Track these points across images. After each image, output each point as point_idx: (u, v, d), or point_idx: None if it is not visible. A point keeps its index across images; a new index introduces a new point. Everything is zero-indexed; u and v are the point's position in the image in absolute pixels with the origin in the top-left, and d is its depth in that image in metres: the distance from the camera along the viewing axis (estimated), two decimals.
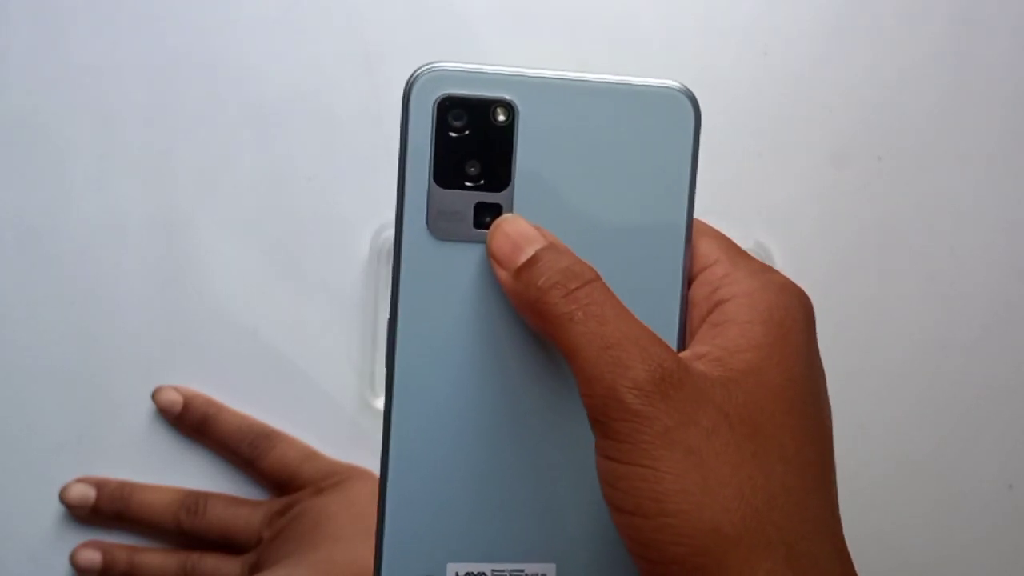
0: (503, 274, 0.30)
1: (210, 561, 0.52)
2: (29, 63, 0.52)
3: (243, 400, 0.54)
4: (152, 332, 0.53)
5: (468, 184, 0.30)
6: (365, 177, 0.54)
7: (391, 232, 0.53)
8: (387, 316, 0.32)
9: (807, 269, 0.56)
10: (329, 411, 0.54)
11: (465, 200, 0.30)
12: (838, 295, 0.57)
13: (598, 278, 0.29)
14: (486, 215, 0.31)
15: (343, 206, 0.54)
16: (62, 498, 0.52)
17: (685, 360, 0.28)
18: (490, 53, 0.54)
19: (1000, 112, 0.57)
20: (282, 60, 0.53)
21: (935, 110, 0.56)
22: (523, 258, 0.29)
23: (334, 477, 0.52)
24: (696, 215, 0.32)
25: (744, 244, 0.55)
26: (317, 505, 0.51)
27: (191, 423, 0.53)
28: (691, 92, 0.31)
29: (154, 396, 0.53)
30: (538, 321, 0.29)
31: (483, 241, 0.31)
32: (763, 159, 0.56)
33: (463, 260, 0.31)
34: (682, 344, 0.31)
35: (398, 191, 0.31)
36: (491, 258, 0.30)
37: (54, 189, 0.53)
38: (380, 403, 0.54)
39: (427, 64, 0.30)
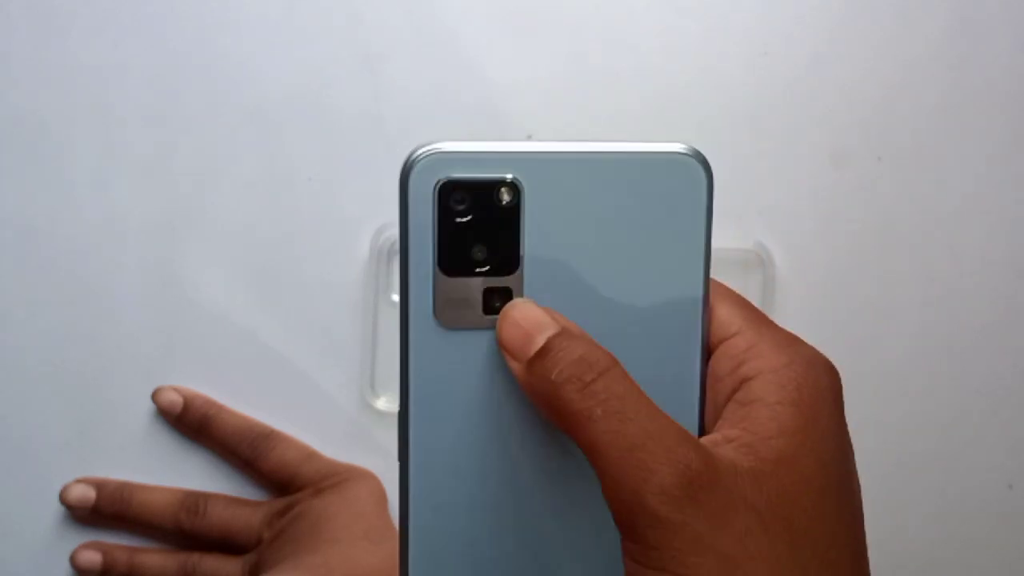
0: (515, 366, 0.28)
1: (210, 562, 0.52)
2: (29, 63, 0.52)
3: (243, 400, 0.54)
4: (152, 332, 0.53)
5: (476, 270, 0.29)
6: (365, 177, 0.54)
7: (391, 232, 0.53)
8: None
9: (807, 269, 0.56)
10: (329, 411, 0.54)
11: (473, 286, 0.29)
12: (838, 295, 0.57)
13: (615, 365, 0.27)
14: (496, 300, 0.29)
15: (343, 206, 0.54)
16: (62, 498, 0.52)
17: (713, 450, 0.27)
18: (489, 53, 0.54)
19: (1000, 112, 0.57)
20: (282, 60, 0.53)
21: (935, 110, 0.56)
22: (534, 348, 0.28)
23: (334, 478, 0.52)
24: None
25: (744, 244, 0.55)
26: (317, 506, 0.51)
27: (191, 424, 0.53)
28: (701, 154, 0.29)
29: (154, 396, 0.53)
30: (554, 417, 0.27)
31: (494, 327, 0.29)
32: (763, 159, 0.56)
33: (474, 348, 0.29)
34: (702, 422, 0.30)
35: (401, 279, 0.29)
36: (502, 348, 0.29)
37: (54, 189, 0.53)
38: (380, 403, 0.54)
39: (424, 145, 0.29)
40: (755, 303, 0.31)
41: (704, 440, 0.27)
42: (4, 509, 0.53)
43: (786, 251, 0.56)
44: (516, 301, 0.29)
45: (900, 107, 0.56)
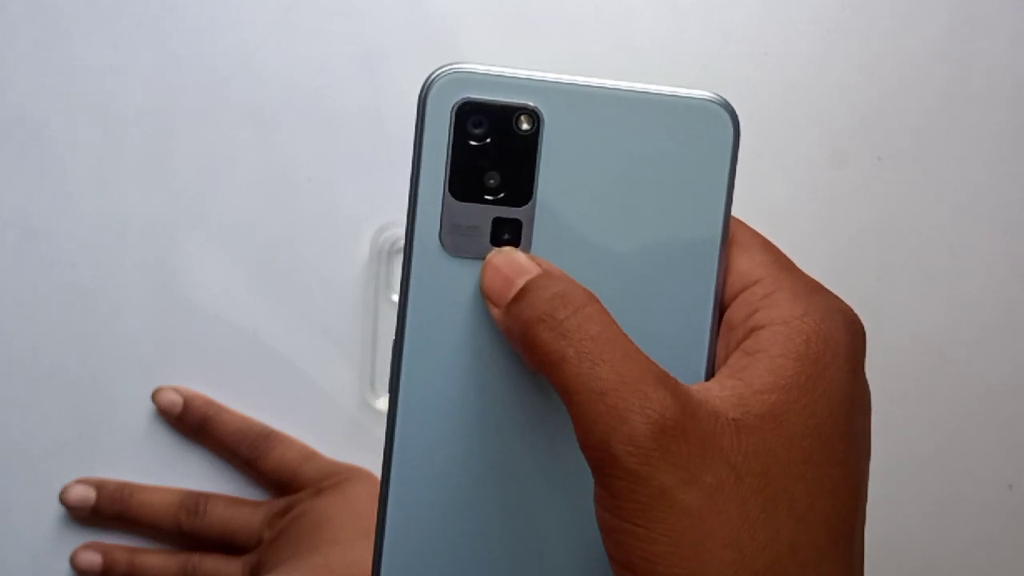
0: (495, 312, 0.27)
1: (210, 562, 0.52)
2: (29, 63, 0.52)
3: (243, 400, 0.54)
4: (152, 333, 0.53)
5: (487, 197, 0.28)
6: (365, 177, 0.54)
7: (392, 232, 0.53)
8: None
9: (807, 269, 0.56)
10: (329, 411, 0.54)
11: (483, 214, 0.28)
12: (838, 295, 0.56)
13: (591, 302, 0.26)
14: (505, 231, 0.28)
15: (343, 206, 0.54)
16: (62, 499, 0.52)
17: (699, 395, 0.25)
18: (490, 53, 0.54)
19: (1000, 112, 0.57)
20: (282, 60, 0.53)
21: (935, 110, 0.56)
22: (513, 291, 0.27)
23: (334, 478, 0.52)
24: None
25: None
26: (317, 506, 0.51)
27: (191, 424, 0.53)
28: (730, 105, 0.29)
29: (154, 397, 0.53)
30: (530, 360, 0.26)
31: None
32: (763, 159, 0.56)
33: (478, 279, 0.28)
34: (709, 375, 0.29)
35: (409, 201, 0.28)
36: (484, 296, 0.28)
37: (54, 189, 0.53)
38: (380, 403, 0.54)
39: (446, 65, 0.28)
40: None
41: (697, 386, 0.26)
42: (4, 509, 0.53)
43: (786, 251, 0.56)
44: (500, 249, 0.28)
45: (900, 107, 0.56)
